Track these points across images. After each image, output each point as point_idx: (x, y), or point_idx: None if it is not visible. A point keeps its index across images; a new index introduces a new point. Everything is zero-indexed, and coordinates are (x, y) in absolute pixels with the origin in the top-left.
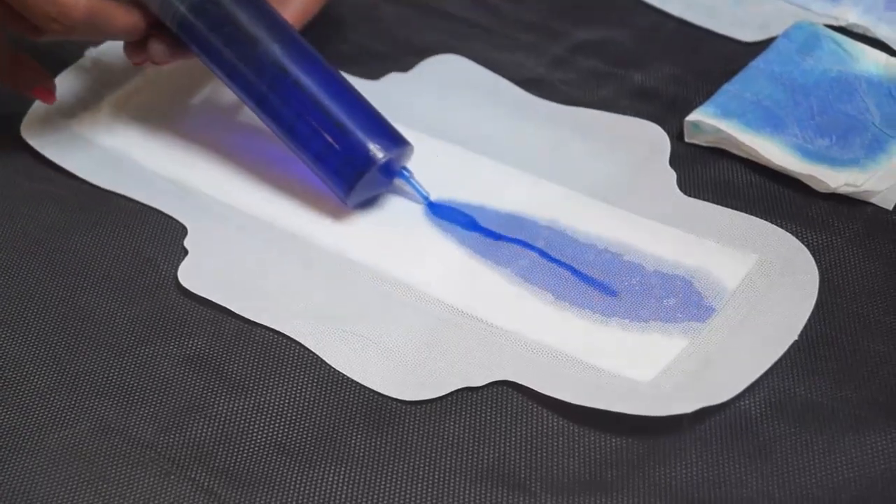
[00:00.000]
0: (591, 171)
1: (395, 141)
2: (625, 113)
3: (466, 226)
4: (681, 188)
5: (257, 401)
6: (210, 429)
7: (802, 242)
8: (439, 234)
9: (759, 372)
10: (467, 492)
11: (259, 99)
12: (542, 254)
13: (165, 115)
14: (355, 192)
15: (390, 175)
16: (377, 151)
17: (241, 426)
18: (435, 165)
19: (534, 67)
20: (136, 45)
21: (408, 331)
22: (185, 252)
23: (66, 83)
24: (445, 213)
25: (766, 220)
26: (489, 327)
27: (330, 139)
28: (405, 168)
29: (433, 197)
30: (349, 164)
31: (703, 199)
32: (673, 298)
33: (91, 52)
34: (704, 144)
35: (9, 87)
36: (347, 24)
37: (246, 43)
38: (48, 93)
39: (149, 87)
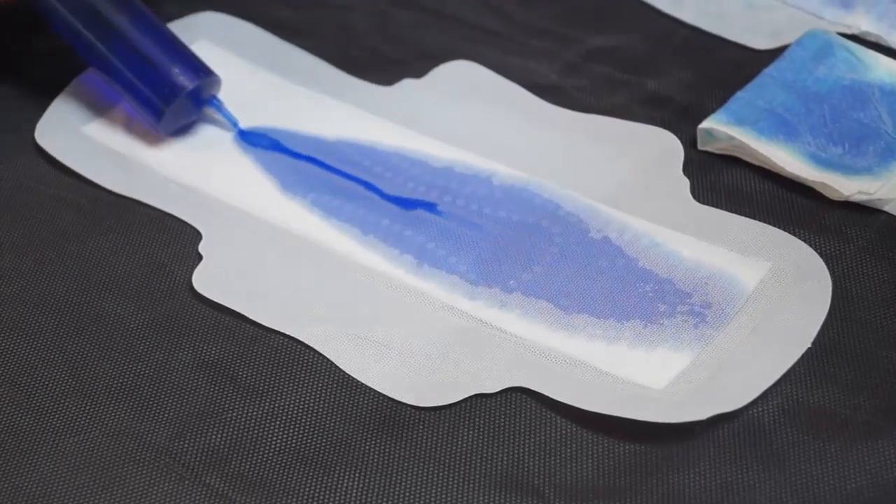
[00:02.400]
0: (603, 178)
1: (199, 71)
2: (637, 120)
3: (272, 148)
4: (694, 195)
5: (272, 406)
6: (225, 434)
7: (815, 250)
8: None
9: (771, 379)
10: (481, 498)
11: (75, 36)
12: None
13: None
14: (166, 120)
15: (200, 103)
16: (184, 81)
17: (256, 432)
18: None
19: (546, 74)
20: None
21: (422, 337)
22: (200, 257)
23: (81, 87)
24: (254, 140)
25: (778, 227)
26: (503, 334)
27: (140, 71)
28: (215, 97)
29: (244, 125)
30: (158, 93)
31: (716, 207)
32: (686, 305)
33: None
34: (717, 152)
35: None
36: (360, 31)
37: None
38: None
39: None
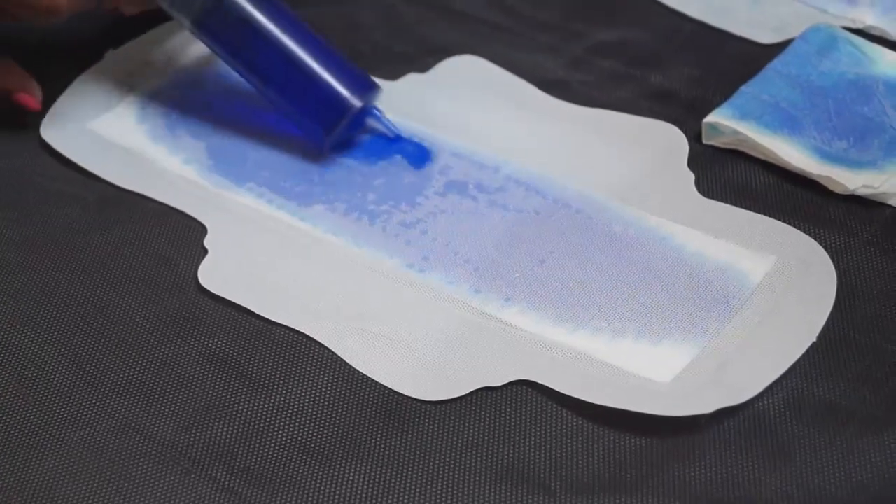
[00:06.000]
0: (608, 171)
1: (368, 86)
2: (643, 114)
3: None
4: (699, 190)
5: (278, 400)
6: (231, 428)
7: (820, 244)
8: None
9: (777, 373)
10: (487, 491)
11: (233, 53)
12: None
13: (185, 116)
14: (332, 136)
15: (363, 116)
16: (353, 98)
17: (262, 425)
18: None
19: (552, 68)
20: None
21: (428, 331)
22: (205, 251)
23: (85, 84)
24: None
25: (783, 221)
26: (508, 327)
27: (306, 89)
28: (375, 107)
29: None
30: (328, 111)
31: (721, 201)
32: (691, 299)
33: (111, 54)
34: (722, 146)
35: None
36: (366, 25)
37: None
38: (32, 99)
39: (169, 87)
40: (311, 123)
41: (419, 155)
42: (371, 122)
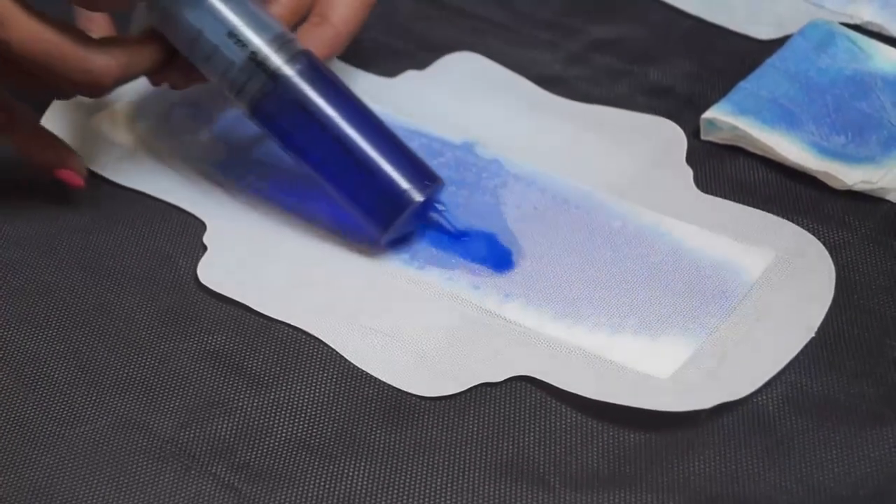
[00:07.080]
0: (607, 167)
1: (430, 178)
2: (641, 110)
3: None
4: (697, 185)
5: (278, 397)
6: (231, 424)
7: (818, 239)
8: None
9: (776, 368)
10: (486, 487)
11: (286, 138)
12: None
13: (185, 113)
14: (390, 232)
15: (424, 211)
16: (415, 193)
17: (262, 422)
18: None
19: (550, 64)
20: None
21: (427, 327)
22: (204, 248)
23: None
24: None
25: (782, 217)
26: (507, 323)
27: (364, 180)
28: (438, 201)
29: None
30: (386, 204)
31: (720, 196)
32: (690, 295)
33: None
34: (720, 142)
35: (31, 164)
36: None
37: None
38: (75, 176)
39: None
40: (366, 219)
41: (497, 256)
42: (433, 216)
